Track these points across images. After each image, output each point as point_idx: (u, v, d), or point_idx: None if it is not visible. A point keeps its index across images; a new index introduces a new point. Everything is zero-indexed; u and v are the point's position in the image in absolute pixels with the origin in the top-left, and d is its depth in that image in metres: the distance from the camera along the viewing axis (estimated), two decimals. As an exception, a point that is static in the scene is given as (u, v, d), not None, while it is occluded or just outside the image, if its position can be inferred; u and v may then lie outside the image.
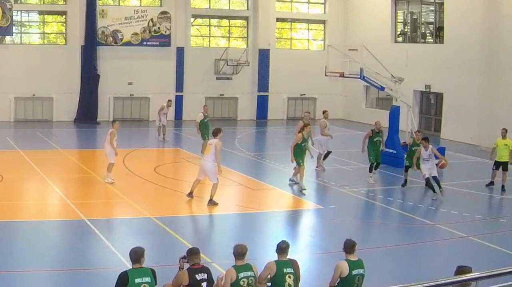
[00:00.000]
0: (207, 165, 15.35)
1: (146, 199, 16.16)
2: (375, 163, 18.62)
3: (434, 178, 16.78)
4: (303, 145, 17.46)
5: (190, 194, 15.76)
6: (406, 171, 18.12)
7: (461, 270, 7.28)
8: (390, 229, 14.58)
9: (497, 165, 18.27)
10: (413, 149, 17.64)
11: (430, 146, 16.95)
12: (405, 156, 18.58)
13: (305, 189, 17.07)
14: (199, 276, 8.03)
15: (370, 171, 18.61)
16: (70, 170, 20.06)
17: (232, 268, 8.29)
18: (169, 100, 27.05)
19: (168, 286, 8.29)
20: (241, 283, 8.17)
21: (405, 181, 18.11)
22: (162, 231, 13.36)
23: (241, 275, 8.19)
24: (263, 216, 15.33)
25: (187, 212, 15.64)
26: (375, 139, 18.65)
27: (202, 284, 8.01)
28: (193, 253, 8.23)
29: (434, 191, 16.72)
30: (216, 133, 15.70)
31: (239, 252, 8.37)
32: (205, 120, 22.33)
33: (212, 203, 15.34)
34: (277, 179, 19.04)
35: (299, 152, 17.34)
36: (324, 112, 20.98)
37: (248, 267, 8.33)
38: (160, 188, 17.56)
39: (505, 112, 25.37)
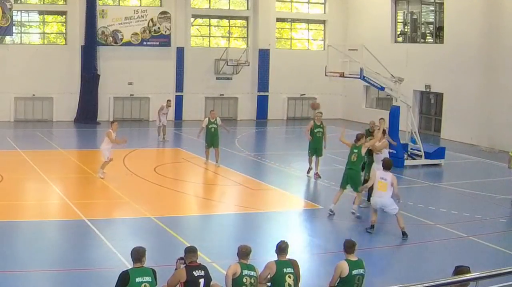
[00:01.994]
0: (385, 201, 13.32)
1: (146, 199, 16.15)
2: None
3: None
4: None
5: (371, 228, 13.64)
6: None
7: (459, 270, 7.28)
8: (390, 229, 14.57)
9: None
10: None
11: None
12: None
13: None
14: (196, 273, 8.11)
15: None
16: (70, 170, 20.07)
17: (237, 263, 8.40)
18: (169, 100, 27.01)
19: (167, 287, 8.33)
20: (244, 280, 8.26)
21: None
22: (162, 231, 13.36)
23: (245, 272, 8.30)
24: (263, 216, 15.33)
25: (187, 212, 15.64)
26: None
27: (200, 280, 8.09)
28: (191, 251, 8.33)
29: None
30: (388, 167, 13.44)
31: (244, 252, 8.47)
32: (209, 126, 20.30)
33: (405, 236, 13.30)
34: (277, 179, 19.05)
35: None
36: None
37: (251, 267, 8.43)
38: (160, 188, 17.56)
39: (505, 113, 25.41)
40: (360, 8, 34.84)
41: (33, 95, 31.07)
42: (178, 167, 21.26)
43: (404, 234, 13.27)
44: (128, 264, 9.41)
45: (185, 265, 8.24)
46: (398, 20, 32.88)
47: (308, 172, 19.23)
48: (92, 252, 11.99)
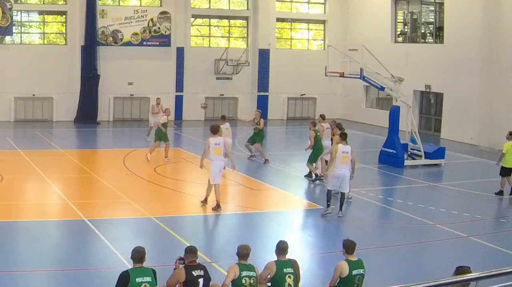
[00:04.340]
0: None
1: (146, 199, 16.15)
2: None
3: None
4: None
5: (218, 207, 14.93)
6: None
7: (460, 270, 7.28)
8: (390, 229, 14.58)
9: (506, 171, 17.23)
10: None
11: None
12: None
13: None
14: (195, 272, 8.14)
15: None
16: (70, 170, 20.06)
17: (236, 264, 8.40)
18: (158, 98, 26.08)
19: (166, 287, 8.34)
20: (243, 281, 8.25)
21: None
22: (162, 231, 13.37)
23: (244, 273, 8.29)
24: (263, 216, 15.33)
25: (187, 212, 15.63)
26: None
27: (199, 280, 8.11)
28: (191, 251, 8.37)
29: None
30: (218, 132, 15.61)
31: (243, 253, 8.47)
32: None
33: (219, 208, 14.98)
34: (277, 179, 19.05)
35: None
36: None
37: (250, 268, 8.42)
38: (160, 188, 17.56)
39: (505, 112, 25.40)
40: (360, 8, 34.84)
41: (33, 95, 31.07)
42: (178, 167, 21.25)
43: (218, 206, 14.71)
44: (128, 264, 9.41)
45: (184, 265, 8.26)
46: (398, 20, 32.88)
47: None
48: (92, 252, 11.98)
